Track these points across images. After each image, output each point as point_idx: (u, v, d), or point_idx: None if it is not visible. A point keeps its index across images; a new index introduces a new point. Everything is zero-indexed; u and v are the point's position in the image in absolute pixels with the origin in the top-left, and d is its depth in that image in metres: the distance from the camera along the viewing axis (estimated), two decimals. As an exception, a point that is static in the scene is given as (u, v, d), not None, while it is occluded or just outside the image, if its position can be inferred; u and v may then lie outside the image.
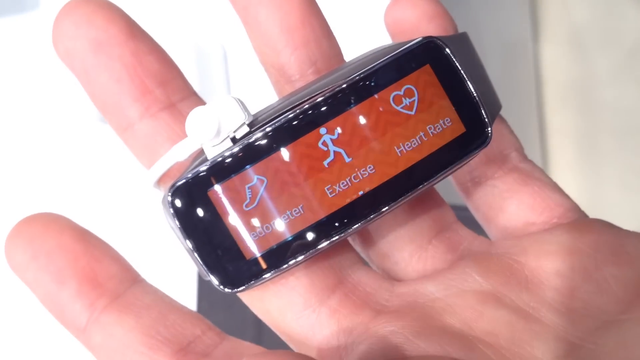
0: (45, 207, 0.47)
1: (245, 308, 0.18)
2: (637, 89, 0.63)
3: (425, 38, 0.16)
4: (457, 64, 0.16)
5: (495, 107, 0.18)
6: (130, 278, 0.16)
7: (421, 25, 0.18)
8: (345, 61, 0.19)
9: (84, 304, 0.16)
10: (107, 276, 0.16)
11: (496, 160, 0.19)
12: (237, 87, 0.42)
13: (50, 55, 0.49)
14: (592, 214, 0.19)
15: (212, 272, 0.16)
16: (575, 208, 0.18)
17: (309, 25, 0.17)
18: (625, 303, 0.16)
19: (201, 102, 0.18)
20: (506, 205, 0.18)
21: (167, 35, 0.44)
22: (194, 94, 0.18)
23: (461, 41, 0.18)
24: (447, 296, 0.17)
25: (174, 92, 0.17)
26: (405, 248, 0.18)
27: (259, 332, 0.32)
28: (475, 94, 0.16)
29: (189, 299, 0.40)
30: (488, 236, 0.19)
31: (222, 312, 0.34)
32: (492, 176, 0.19)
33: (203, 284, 0.38)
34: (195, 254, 0.16)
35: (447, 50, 0.16)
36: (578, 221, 0.18)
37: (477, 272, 0.17)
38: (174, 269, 0.42)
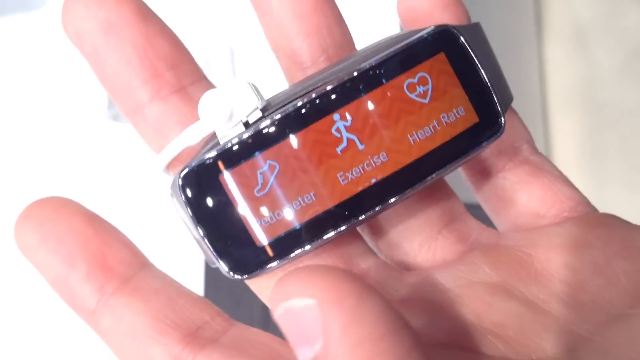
0: (52, 189, 0.47)
1: (252, 305, 0.18)
2: (641, 88, 0.63)
3: (439, 26, 0.16)
4: (471, 53, 0.16)
5: (507, 98, 0.18)
6: (139, 262, 0.16)
7: (435, 13, 0.18)
8: (357, 49, 0.18)
9: (94, 287, 0.16)
10: (116, 260, 0.16)
11: (507, 152, 0.19)
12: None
13: (57, 53, 0.50)
14: None
15: (222, 258, 0.16)
16: (586, 202, 0.18)
17: (321, 13, 0.17)
18: (635, 297, 0.16)
19: (212, 86, 0.18)
20: (517, 197, 0.18)
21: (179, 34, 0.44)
22: (205, 77, 0.18)
23: (475, 31, 0.18)
24: (456, 287, 0.17)
25: (185, 75, 0.17)
26: (415, 238, 0.18)
27: (266, 324, 0.32)
28: (489, 84, 0.16)
29: (196, 281, 0.40)
30: (497, 229, 0.19)
31: (228, 308, 0.34)
32: (502, 168, 0.19)
33: (210, 280, 0.38)
34: (205, 240, 0.16)
35: (462, 39, 0.16)
36: (588, 215, 0.18)
37: (487, 264, 0.17)
38: (181, 264, 0.42)
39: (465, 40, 0.16)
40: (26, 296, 0.45)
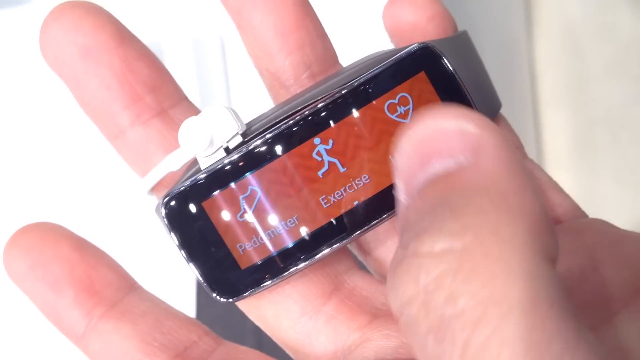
0: (39, 211, 0.46)
1: (244, 317, 0.18)
2: (631, 84, 0.63)
3: (420, 44, 0.16)
4: (452, 71, 0.16)
5: (494, 106, 0.18)
6: (126, 285, 0.16)
7: (420, 25, 0.18)
8: (339, 63, 0.18)
9: (82, 313, 0.16)
10: (103, 284, 0.16)
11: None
12: (234, 78, 0.42)
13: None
14: (587, 208, 0.19)
15: (208, 282, 0.16)
16: (576, 208, 0.18)
17: (303, 29, 0.17)
18: (622, 302, 0.16)
19: (192, 107, 0.18)
20: None
21: (164, 27, 0.43)
22: (185, 99, 0.18)
23: (460, 41, 0.18)
24: None
25: (165, 98, 0.17)
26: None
27: (258, 341, 0.32)
28: (471, 101, 0.16)
29: (188, 309, 0.40)
30: None
31: (220, 320, 0.34)
32: None
33: (202, 294, 0.38)
34: (191, 264, 0.16)
35: (443, 56, 0.16)
36: (577, 221, 0.18)
37: None
38: (172, 278, 0.42)
39: (446, 58, 0.16)
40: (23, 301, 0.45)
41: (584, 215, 0.18)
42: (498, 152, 0.12)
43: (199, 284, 0.39)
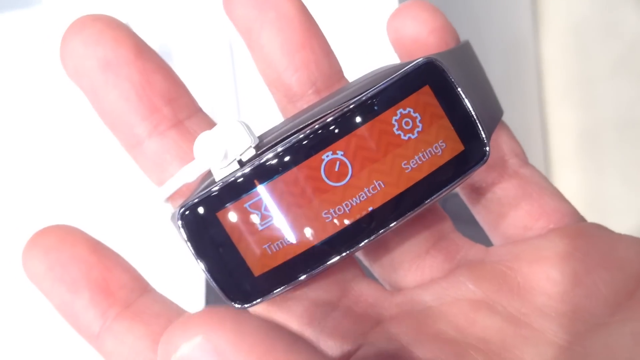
0: (57, 214, 0.47)
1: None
2: (637, 82, 0.63)
3: (424, 59, 0.17)
4: (455, 84, 0.17)
5: (496, 115, 0.19)
6: (140, 287, 0.17)
7: (421, 37, 0.18)
8: (345, 78, 0.19)
9: (97, 313, 0.16)
10: (118, 286, 0.16)
11: (496, 167, 0.19)
12: (243, 82, 0.42)
13: (55, 49, 0.50)
14: (594, 207, 0.19)
15: (222, 289, 0.17)
16: (573, 213, 0.19)
17: (309, 47, 0.18)
18: (614, 306, 0.16)
19: (207, 118, 0.18)
20: (505, 211, 0.19)
21: (175, 31, 0.44)
22: (200, 110, 0.18)
23: (463, 52, 0.19)
24: (442, 304, 0.17)
25: (181, 109, 0.18)
26: (405, 258, 0.19)
27: None
28: (473, 113, 0.17)
29: (197, 302, 0.40)
30: (492, 242, 0.20)
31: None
32: (492, 183, 0.19)
33: (210, 297, 0.38)
34: (206, 272, 0.16)
35: (446, 70, 0.17)
36: (571, 226, 0.18)
37: (471, 280, 0.18)
38: (182, 280, 0.43)
39: (449, 72, 0.17)
40: (26, 297, 0.46)
41: (582, 219, 0.19)
42: (235, 344, 0.12)
43: (207, 288, 0.40)
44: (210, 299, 0.37)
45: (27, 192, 0.48)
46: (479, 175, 0.19)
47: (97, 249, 0.17)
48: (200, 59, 0.43)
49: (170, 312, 0.17)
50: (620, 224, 0.60)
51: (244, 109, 0.43)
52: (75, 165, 0.47)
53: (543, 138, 0.65)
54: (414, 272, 0.18)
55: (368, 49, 0.37)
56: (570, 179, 0.63)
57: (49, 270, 0.16)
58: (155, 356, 0.16)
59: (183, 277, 0.43)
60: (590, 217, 0.19)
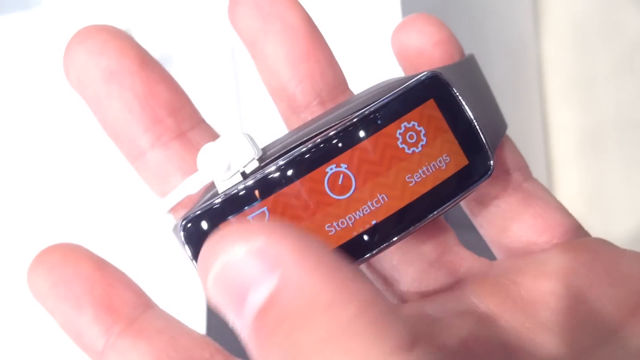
0: (58, 232, 0.46)
1: None
2: (639, 82, 0.63)
3: (429, 73, 0.17)
4: (460, 99, 0.17)
5: (500, 129, 0.19)
6: (143, 304, 0.17)
7: (426, 50, 0.18)
8: (350, 90, 0.19)
9: (101, 330, 0.16)
10: (122, 303, 0.16)
11: (500, 181, 0.19)
12: (245, 88, 0.42)
13: (54, 51, 0.49)
14: (595, 207, 0.19)
15: None
16: (577, 227, 0.19)
17: (313, 58, 0.18)
18: (619, 321, 0.16)
19: (210, 129, 0.18)
20: (508, 225, 0.19)
21: (176, 36, 0.44)
22: (203, 121, 0.18)
23: (467, 66, 0.18)
24: (445, 317, 0.17)
25: (184, 120, 0.18)
26: (409, 272, 0.19)
27: None
28: (477, 127, 0.17)
29: (199, 318, 0.40)
30: (495, 254, 0.20)
31: (230, 340, 0.34)
32: (495, 196, 0.19)
33: (212, 312, 0.38)
34: None
35: (450, 85, 0.17)
36: (576, 241, 0.18)
37: (475, 294, 0.17)
38: (183, 287, 0.43)
39: (454, 86, 0.17)
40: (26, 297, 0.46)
41: (585, 234, 0.19)
42: (294, 260, 0.11)
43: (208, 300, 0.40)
44: (211, 312, 0.37)
45: (24, 197, 0.48)
46: (482, 188, 0.19)
47: (101, 266, 0.17)
48: (202, 67, 0.43)
49: (173, 328, 0.17)
50: (622, 223, 0.59)
51: (246, 117, 0.43)
52: (75, 170, 0.47)
53: (544, 138, 0.65)
54: (418, 286, 0.18)
55: (369, 61, 0.37)
56: (572, 179, 0.63)
57: (53, 288, 0.16)
58: None
59: (183, 288, 0.43)
60: (591, 217, 0.19)
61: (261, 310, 0.12)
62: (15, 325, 0.47)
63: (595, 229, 0.19)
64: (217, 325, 0.33)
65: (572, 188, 0.62)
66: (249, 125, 0.43)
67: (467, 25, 0.50)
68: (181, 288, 0.42)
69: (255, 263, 0.11)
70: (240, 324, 0.12)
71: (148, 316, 0.17)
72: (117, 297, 0.16)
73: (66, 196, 0.47)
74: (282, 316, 0.11)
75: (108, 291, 0.16)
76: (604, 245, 0.18)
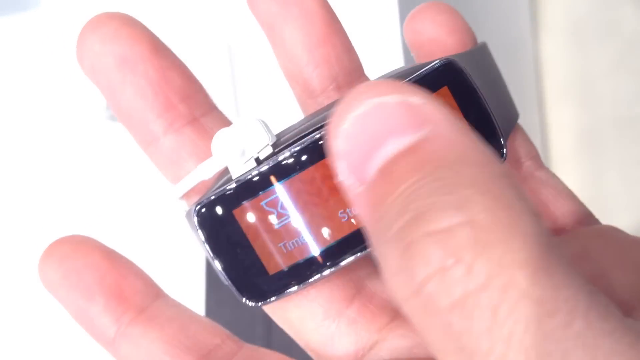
0: (56, 211, 0.46)
1: (253, 317, 0.18)
2: (636, 80, 0.63)
3: (443, 60, 0.17)
4: (474, 86, 0.17)
5: (512, 117, 0.19)
6: (153, 292, 0.17)
7: (440, 39, 0.18)
8: (365, 75, 0.19)
9: (112, 318, 0.16)
10: (132, 292, 0.17)
11: (512, 169, 0.19)
12: (242, 86, 0.43)
13: (53, 53, 0.49)
14: (594, 205, 0.19)
15: (236, 286, 0.17)
16: (589, 215, 0.19)
17: (330, 43, 0.18)
18: (630, 306, 0.16)
19: (223, 116, 0.19)
20: None
21: (173, 34, 0.44)
22: (216, 108, 0.19)
23: (480, 54, 0.18)
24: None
25: (197, 106, 0.18)
26: None
27: (268, 329, 0.32)
28: (491, 115, 0.17)
29: (197, 296, 0.40)
30: None
31: (230, 308, 0.34)
32: None
33: (211, 281, 0.38)
34: (221, 269, 0.16)
35: (465, 72, 0.17)
36: (588, 228, 0.19)
37: None
38: (180, 266, 0.42)
39: (468, 73, 0.17)
40: (27, 297, 0.46)
41: (596, 222, 0.19)
42: (448, 119, 0.12)
43: (208, 285, 0.40)
44: (210, 292, 0.37)
45: (28, 194, 0.48)
46: None
47: (110, 256, 0.17)
48: (200, 65, 0.43)
49: (183, 316, 0.17)
50: (620, 221, 0.60)
51: (243, 112, 0.43)
52: (78, 168, 0.47)
53: (542, 136, 0.65)
54: None
55: (366, 56, 0.38)
56: (570, 177, 0.63)
57: (64, 279, 0.16)
58: (169, 358, 0.16)
59: (181, 267, 0.43)
60: None
61: (398, 155, 0.12)
62: (16, 323, 0.47)
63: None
64: (216, 300, 0.34)
65: (570, 185, 0.62)
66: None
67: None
68: (181, 273, 0.42)
69: (406, 113, 0.12)
70: (360, 173, 0.12)
71: (158, 304, 0.17)
72: (127, 287, 0.17)
73: (69, 192, 0.47)
74: (426, 160, 0.12)
75: (118, 281, 0.17)
76: (615, 232, 0.18)
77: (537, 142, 0.64)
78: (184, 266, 0.42)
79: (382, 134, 0.12)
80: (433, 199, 0.11)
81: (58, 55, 0.46)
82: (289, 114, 0.20)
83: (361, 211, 0.13)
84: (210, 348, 0.17)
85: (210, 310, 0.38)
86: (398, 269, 0.12)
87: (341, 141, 0.13)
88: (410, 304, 0.12)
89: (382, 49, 0.37)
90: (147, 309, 0.17)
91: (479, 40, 0.20)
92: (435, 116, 0.12)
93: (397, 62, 0.37)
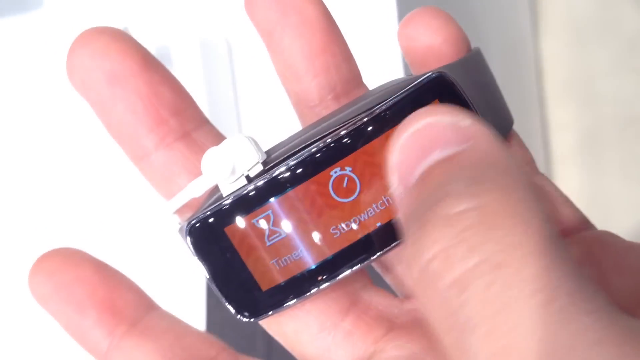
0: (55, 235, 0.46)
1: (254, 335, 0.18)
2: (636, 78, 0.63)
3: (434, 73, 0.16)
4: (465, 97, 0.17)
5: (507, 124, 0.19)
6: (146, 305, 0.17)
7: (435, 46, 0.18)
8: (364, 84, 0.19)
9: (104, 332, 0.16)
10: (124, 304, 0.17)
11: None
12: (241, 82, 0.42)
13: (56, 53, 0.49)
14: (595, 204, 0.19)
15: (230, 302, 0.17)
16: (585, 221, 0.19)
17: (329, 52, 0.18)
18: (628, 311, 0.16)
19: (214, 130, 0.18)
20: None
21: (172, 30, 0.44)
22: (207, 122, 0.18)
23: (474, 61, 0.18)
24: None
25: (188, 121, 0.18)
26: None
27: (268, 344, 0.32)
28: None
29: (198, 313, 0.41)
30: None
31: (231, 325, 0.34)
32: None
33: (212, 298, 0.38)
34: (214, 286, 0.17)
35: (456, 84, 0.17)
36: (584, 234, 0.19)
37: None
38: (182, 283, 0.43)
39: (459, 86, 0.17)
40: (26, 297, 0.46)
41: (592, 227, 0.19)
42: (490, 138, 0.13)
43: (209, 292, 0.40)
44: (211, 308, 0.37)
45: (24, 199, 0.48)
46: None
47: (101, 269, 0.17)
48: (199, 63, 0.43)
49: (177, 328, 0.17)
50: (621, 221, 0.60)
51: (244, 114, 0.43)
52: (76, 171, 0.47)
53: (543, 136, 0.65)
54: None
55: (364, 58, 0.37)
56: (571, 177, 0.63)
57: (55, 292, 0.16)
58: None
59: (183, 287, 0.43)
60: (591, 215, 0.19)
61: (438, 162, 0.13)
62: (16, 325, 0.47)
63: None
64: (218, 324, 0.34)
65: (571, 185, 0.62)
66: (245, 123, 0.43)
67: (465, 23, 0.50)
68: (182, 288, 0.42)
69: (454, 130, 0.14)
70: (406, 182, 0.14)
71: (151, 317, 0.17)
72: (119, 299, 0.17)
73: (67, 198, 0.47)
74: (459, 165, 0.13)
75: (110, 294, 0.17)
76: (611, 237, 0.18)
77: (538, 142, 0.64)
78: (184, 282, 0.42)
79: (429, 147, 0.14)
80: (453, 188, 0.13)
81: (61, 56, 0.46)
82: (290, 115, 0.20)
83: (400, 213, 0.14)
84: None
85: (211, 326, 0.38)
86: (411, 250, 0.13)
87: (395, 155, 0.14)
88: (418, 283, 0.13)
89: (381, 56, 0.37)
90: (140, 322, 0.17)
91: (479, 40, 0.19)
92: (478, 134, 0.13)
93: (396, 70, 0.37)
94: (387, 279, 0.19)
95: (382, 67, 0.38)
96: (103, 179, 0.47)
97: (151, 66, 0.17)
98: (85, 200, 0.47)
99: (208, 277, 0.17)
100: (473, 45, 0.19)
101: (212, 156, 0.16)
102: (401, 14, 0.38)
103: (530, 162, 0.19)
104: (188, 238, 0.16)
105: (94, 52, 0.17)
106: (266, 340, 0.31)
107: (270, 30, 0.18)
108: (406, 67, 0.37)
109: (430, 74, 0.17)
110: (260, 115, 0.42)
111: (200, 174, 0.17)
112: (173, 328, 0.17)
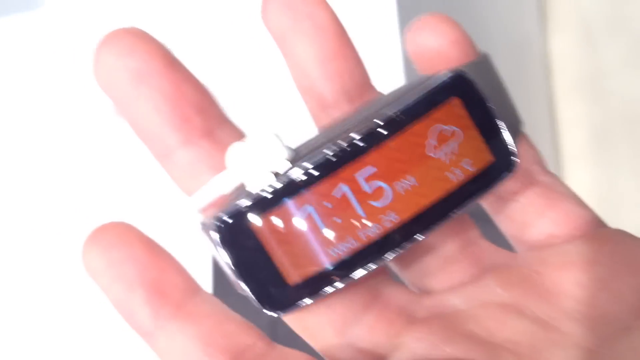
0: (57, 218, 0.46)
1: (259, 311, 0.19)
2: (646, 76, 0.63)
3: (454, 72, 0.17)
4: (484, 96, 0.17)
5: (517, 125, 0.19)
6: (192, 288, 0.17)
7: (443, 50, 0.19)
8: (373, 87, 0.19)
9: (151, 312, 0.17)
10: (171, 286, 0.17)
11: (518, 175, 0.19)
12: (241, 86, 0.42)
13: (58, 52, 0.50)
14: (605, 201, 0.20)
15: (257, 297, 0.17)
16: (596, 219, 0.19)
17: (342, 56, 0.18)
18: (639, 310, 0.17)
19: (237, 129, 0.19)
20: (528, 220, 0.19)
21: (172, 30, 0.44)
22: (229, 120, 0.19)
23: (483, 64, 0.19)
24: (471, 307, 0.18)
25: (212, 119, 0.18)
26: (434, 264, 0.19)
27: (273, 334, 0.32)
28: (501, 124, 0.17)
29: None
30: (514, 249, 0.20)
31: (237, 302, 0.34)
32: (514, 191, 0.19)
33: (218, 294, 0.38)
34: (242, 283, 0.17)
35: (475, 83, 0.17)
36: (597, 232, 0.19)
37: (499, 285, 0.18)
38: (186, 259, 0.42)
39: (478, 84, 0.17)
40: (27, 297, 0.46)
41: (604, 225, 0.19)
42: None
43: (215, 285, 0.40)
44: (217, 284, 0.37)
45: (32, 195, 0.48)
46: (502, 185, 0.19)
47: (153, 249, 0.17)
48: (200, 64, 0.43)
49: (220, 314, 0.17)
50: (632, 218, 0.60)
51: (245, 113, 0.43)
52: (84, 168, 0.47)
53: (553, 134, 0.65)
54: (443, 277, 0.19)
55: (365, 61, 0.37)
56: (582, 174, 0.63)
57: (108, 268, 0.17)
58: (203, 356, 0.17)
59: (187, 261, 0.43)
60: (602, 212, 0.20)
61: None
62: (16, 324, 0.47)
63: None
64: (223, 293, 0.34)
65: (581, 183, 0.62)
66: (246, 124, 0.43)
67: (473, 22, 0.50)
68: (183, 255, 0.42)
69: None
70: None
71: (196, 301, 0.17)
72: (167, 281, 0.17)
73: (67, 198, 0.47)
74: None
75: (159, 275, 0.17)
76: (623, 235, 0.18)
77: (547, 140, 0.64)
78: (187, 258, 0.42)
79: None
80: None
81: (62, 55, 0.46)
82: (303, 118, 0.20)
83: None
84: (244, 348, 0.17)
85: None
86: None
87: None
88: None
89: (381, 61, 0.37)
90: (185, 305, 0.17)
91: (487, 39, 0.20)
92: None
93: (397, 74, 0.37)
94: (404, 276, 0.20)
95: (383, 71, 0.38)
96: (103, 178, 0.47)
97: (175, 66, 0.18)
98: (85, 200, 0.47)
99: (234, 273, 0.17)
100: (481, 45, 0.20)
101: (238, 151, 0.16)
102: (401, 18, 0.38)
103: (539, 161, 0.20)
104: (213, 235, 0.16)
105: (120, 52, 0.17)
106: (270, 334, 0.31)
107: (283, 36, 0.18)
108: (407, 71, 0.37)
109: (449, 71, 0.17)
110: (262, 122, 0.42)
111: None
112: (215, 313, 0.17)
